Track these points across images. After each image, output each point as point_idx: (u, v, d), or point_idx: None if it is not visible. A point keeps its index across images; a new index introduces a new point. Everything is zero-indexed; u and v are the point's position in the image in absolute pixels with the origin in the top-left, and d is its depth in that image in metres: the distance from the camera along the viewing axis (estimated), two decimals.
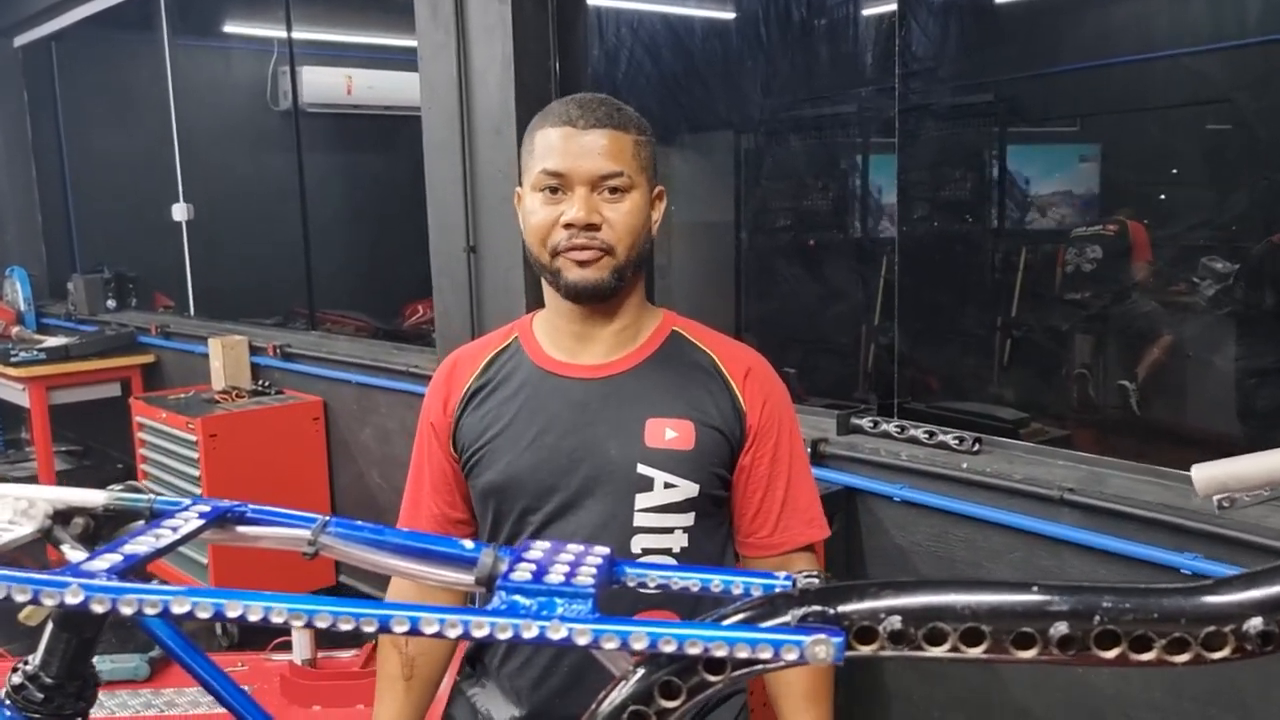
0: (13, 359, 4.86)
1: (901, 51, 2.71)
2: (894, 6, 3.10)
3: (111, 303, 5.80)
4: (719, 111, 4.81)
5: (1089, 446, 2.81)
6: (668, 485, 1.23)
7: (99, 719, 2.56)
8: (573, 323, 1.29)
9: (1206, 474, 0.82)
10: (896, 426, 2.44)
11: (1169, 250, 3.76)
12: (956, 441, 2.32)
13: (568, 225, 1.20)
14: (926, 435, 2.37)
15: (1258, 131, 3.34)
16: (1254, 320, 3.07)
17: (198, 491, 3.80)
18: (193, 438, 3.75)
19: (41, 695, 0.82)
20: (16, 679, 0.82)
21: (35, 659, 0.83)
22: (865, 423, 2.51)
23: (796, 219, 4.83)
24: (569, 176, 1.20)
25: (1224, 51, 3.28)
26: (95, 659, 2.67)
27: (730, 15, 4.63)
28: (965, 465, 2.25)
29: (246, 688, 2.88)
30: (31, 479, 4.90)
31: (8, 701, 0.82)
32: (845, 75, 4.29)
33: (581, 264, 1.21)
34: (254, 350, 4.35)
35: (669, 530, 1.23)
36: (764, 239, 4.87)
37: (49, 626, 0.83)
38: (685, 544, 1.25)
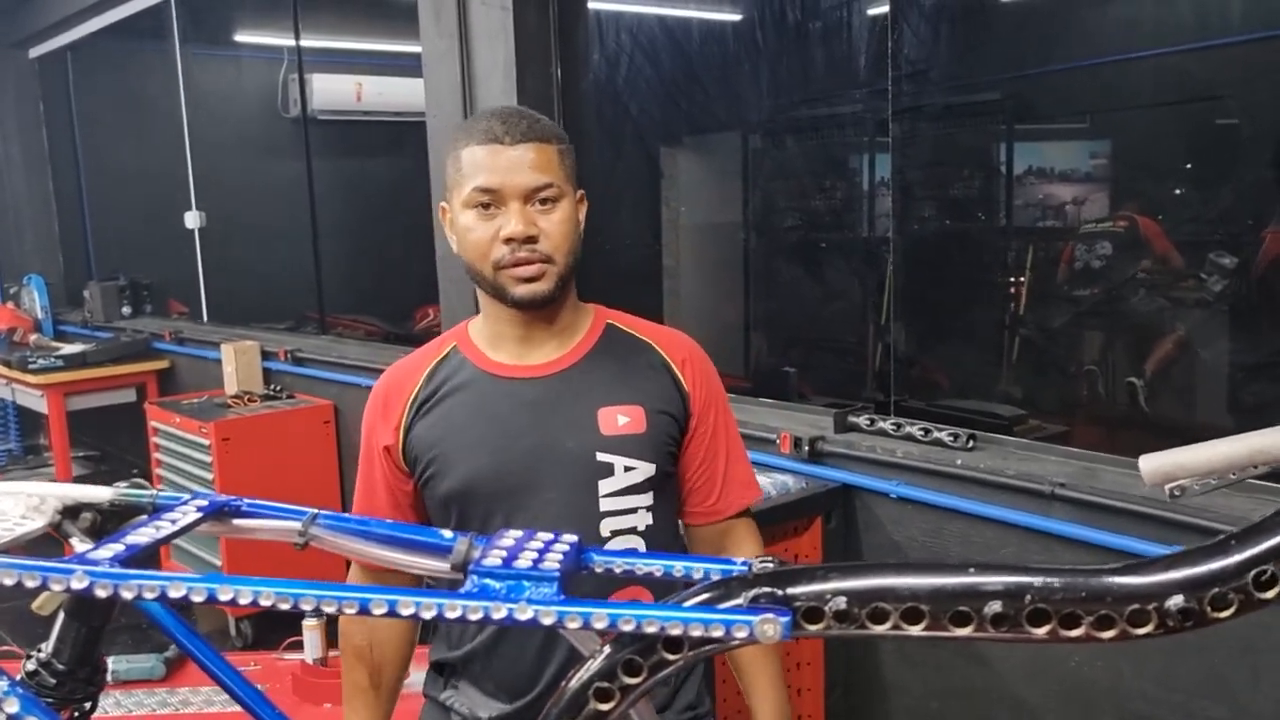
0: (31, 366, 4.94)
1: (895, 53, 2.74)
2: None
3: (127, 310, 5.89)
4: (725, 113, 4.84)
5: (1098, 444, 2.83)
6: (627, 468, 1.29)
7: (116, 717, 2.62)
8: (515, 327, 1.33)
9: (1153, 464, 0.86)
10: (892, 424, 2.47)
11: (1177, 246, 3.77)
12: (951, 438, 2.35)
13: (508, 240, 1.24)
14: (922, 432, 2.41)
15: (1259, 125, 3.35)
16: (1257, 314, 3.10)
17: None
18: (206, 441, 3.82)
19: (54, 681, 0.87)
20: (30, 665, 0.87)
21: (47, 647, 0.88)
22: (862, 420, 2.55)
23: (805, 219, 4.86)
24: (501, 192, 1.24)
25: (1230, 47, 3.29)
26: (111, 660, 2.71)
27: (736, 17, 4.67)
28: (960, 461, 2.29)
29: (259, 686, 2.93)
30: None
31: (21, 688, 0.87)
32: (852, 75, 4.32)
33: (528, 280, 1.26)
34: (266, 355, 4.41)
35: (633, 510, 1.30)
36: (772, 240, 4.90)
37: (60, 617, 0.88)
38: (650, 521, 1.31)
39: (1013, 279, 4.16)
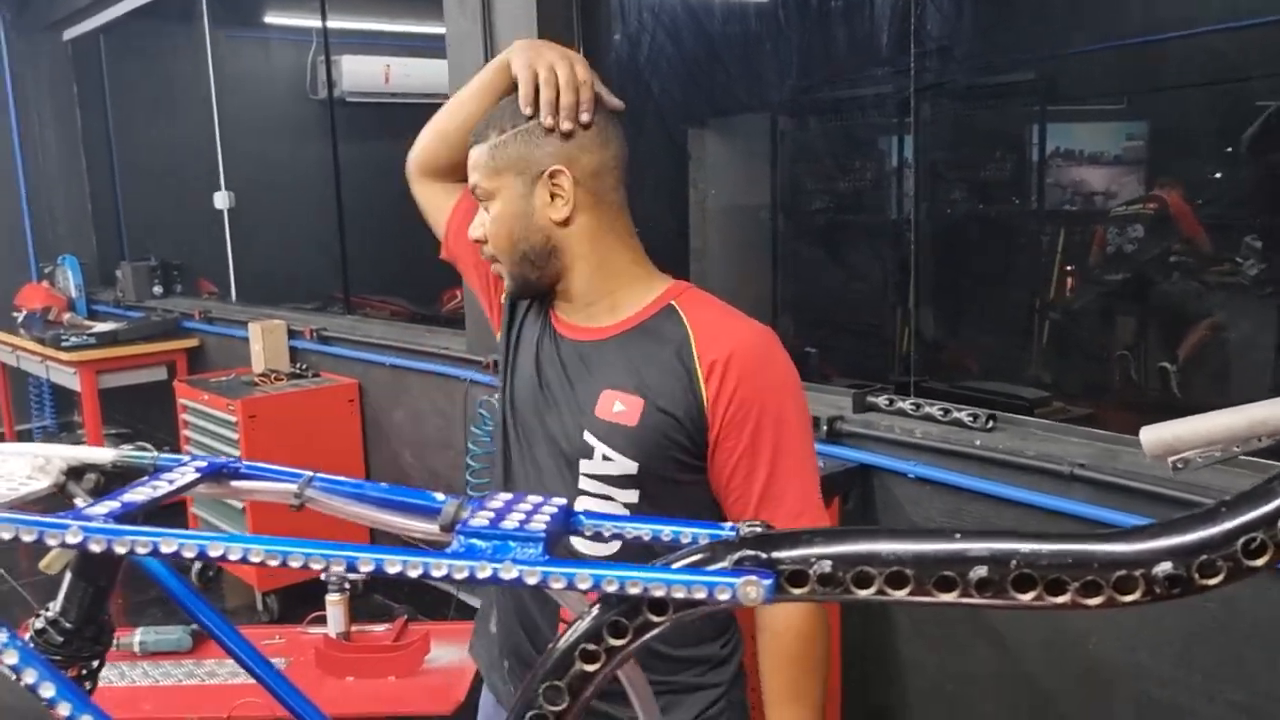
0: (64, 344, 5.02)
1: (917, 30, 2.71)
2: None
3: (158, 289, 5.96)
4: (748, 93, 4.81)
5: (1129, 429, 2.79)
6: (605, 457, 1.24)
7: (144, 688, 2.68)
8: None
9: (1154, 436, 0.85)
10: (911, 404, 2.46)
11: (1209, 229, 3.70)
12: (970, 419, 2.34)
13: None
14: (941, 413, 2.39)
15: None
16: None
17: None
18: (233, 419, 3.87)
19: (61, 639, 0.88)
20: (38, 624, 0.89)
21: (55, 606, 0.89)
22: (881, 400, 2.54)
23: (834, 201, 4.82)
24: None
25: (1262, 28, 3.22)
26: (140, 631, 2.76)
27: None
28: (979, 442, 2.27)
29: (283, 660, 2.96)
30: None
31: (30, 645, 0.89)
32: (877, 53, 4.27)
33: (501, 276, 1.34)
34: (292, 334, 4.46)
35: (610, 500, 1.25)
36: (799, 222, 4.87)
37: (68, 576, 0.89)
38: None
39: (1044, 262, 4.11)
